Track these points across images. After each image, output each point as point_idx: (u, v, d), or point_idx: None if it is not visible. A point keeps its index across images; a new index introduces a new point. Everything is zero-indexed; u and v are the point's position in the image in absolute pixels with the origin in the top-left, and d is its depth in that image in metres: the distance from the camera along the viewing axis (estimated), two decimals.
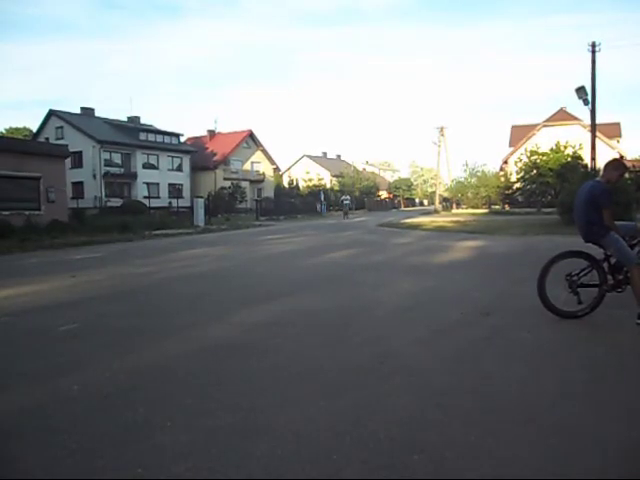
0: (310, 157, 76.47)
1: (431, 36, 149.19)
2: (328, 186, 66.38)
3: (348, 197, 41.88)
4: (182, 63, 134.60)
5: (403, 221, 28.76)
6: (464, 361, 4.05)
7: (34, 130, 48.55)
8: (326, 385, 3.55)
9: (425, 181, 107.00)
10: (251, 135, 56.56)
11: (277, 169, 63.37)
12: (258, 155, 57.45)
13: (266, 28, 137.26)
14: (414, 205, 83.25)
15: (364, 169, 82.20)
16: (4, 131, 57.46)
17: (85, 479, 2.39)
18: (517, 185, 43.98)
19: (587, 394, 3.36)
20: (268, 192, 56.29)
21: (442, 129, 52.89)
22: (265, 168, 58.33)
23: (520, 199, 44.04)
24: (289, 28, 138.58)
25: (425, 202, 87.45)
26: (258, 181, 56.69)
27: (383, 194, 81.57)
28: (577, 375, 3.71)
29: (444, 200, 53.84)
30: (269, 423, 2.94)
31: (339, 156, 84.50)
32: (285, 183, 66.75)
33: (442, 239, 16.60)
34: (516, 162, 42.97)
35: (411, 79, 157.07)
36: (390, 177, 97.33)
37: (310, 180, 64.67)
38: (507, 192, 45.96)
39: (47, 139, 41.21)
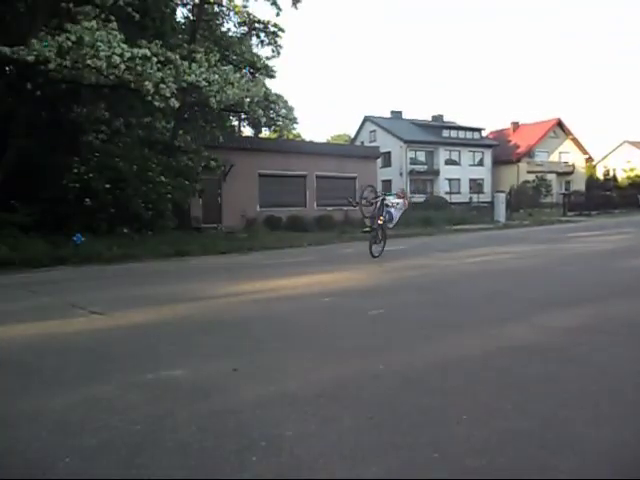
0: (632, 143, 65.80)
1: None
2: None
3: (388, 195, 12.68)
4: (483, 56, 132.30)
5: None
6: None
7: (352, 135, 55.04)
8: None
9: None
10: (559, 123, 52.21)
11: (590, 159, 56.82)
12: (567, 145, 52.67)
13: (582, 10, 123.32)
14: None
15: None
16: (330, 138, 66.97)
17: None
18: None
19: None
20: (578, 184, 50.98)
21: None
22: (575, 158, 53.10)
23: None
24: None
25: None
26: (566, 173, 51.97)
27: None
28: None
29: None
30: (574, 437, 2.69)
31: None
32: (599, 174, 59.28)
33: None
34: None
35: None
36: None
37: (632, 170, 55.73)
38: None
39: (362, 142, 46.43)
